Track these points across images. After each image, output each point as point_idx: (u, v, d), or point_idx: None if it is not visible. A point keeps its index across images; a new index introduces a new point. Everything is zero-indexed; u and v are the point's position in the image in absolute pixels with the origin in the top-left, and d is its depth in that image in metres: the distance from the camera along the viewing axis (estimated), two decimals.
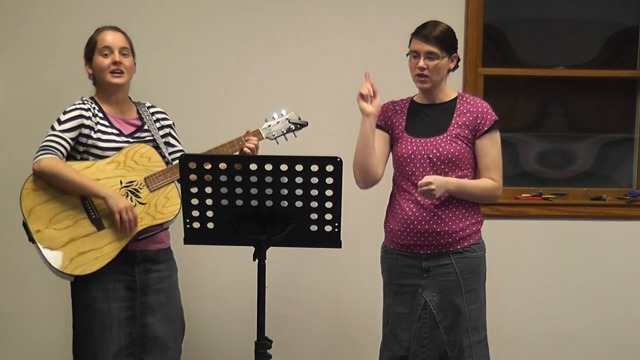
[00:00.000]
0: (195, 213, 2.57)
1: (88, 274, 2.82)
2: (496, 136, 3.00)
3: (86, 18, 3.70)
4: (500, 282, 3.76)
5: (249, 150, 2.96)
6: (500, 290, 3.79)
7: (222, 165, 2.49)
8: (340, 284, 3.93)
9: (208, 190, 2.53)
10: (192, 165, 2.52)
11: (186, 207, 2.56)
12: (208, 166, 2.50)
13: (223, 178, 2.50)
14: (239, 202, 2.52)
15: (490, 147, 2.98)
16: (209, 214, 2.56)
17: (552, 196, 4.03)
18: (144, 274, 2.96)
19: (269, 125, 3.05)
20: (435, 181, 2.80)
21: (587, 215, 3.96)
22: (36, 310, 3.83)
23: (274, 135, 3.05)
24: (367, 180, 3.03)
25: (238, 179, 2.49)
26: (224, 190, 2.52)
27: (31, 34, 3.76)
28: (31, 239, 2.84)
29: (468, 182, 2.96)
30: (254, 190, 2.50)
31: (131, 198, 2.90)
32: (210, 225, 2.59)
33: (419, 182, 2.82)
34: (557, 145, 4.20)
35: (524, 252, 3.97)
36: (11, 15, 3.76)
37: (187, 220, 2.59)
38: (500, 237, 3.81)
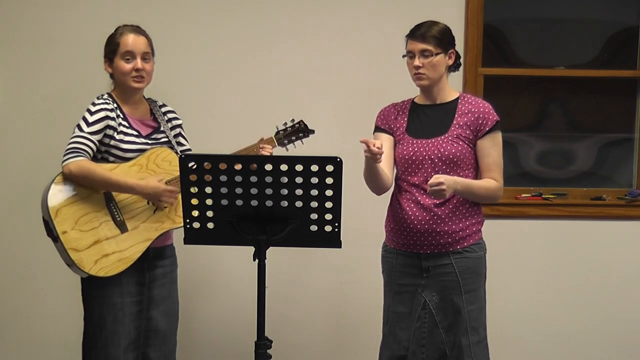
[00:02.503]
0: (195, 213, 2.57)
1: (111, 276, 2.87)
2: (497, 137, 3.00)
3: (92, 17, 3.74)
4: (500, 282, 3.76)
5: None
6: (500, 290, 3.79)
7: (222, 165, 2.49)
8: (340, 284, 3.93)
9: (208, 190, 2.54)
10: (192, 165, 2.52)
11: (186, 207, 2.57)
12: (208, 166, 2.51)
13: (223, 178, 2.50)
14: (239, 202, 2.53)
15: (492, 148, 2.98)
16: (209, 214, 2.57)
17: (552, 196, 4.03)
18: (152, 269, 3.02)
19: (281, 133, 3.12)
20: (446, 181, 2.79)
21: (587, 215, 3.96)
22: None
23: (284, 143, 3.13)
24: (380, 191, 3.06)
25: (238, 179, 2.49)
26: (224, 190, 2.52)
27: (38, 32, 3.77)
28: (53, 237, 2.86)
29: (474, 183, 2.96)
30: (254, 190, 2.50)
31: (153, 202, 2.96)
32: (210, 225, 2.59)
33: (430, 182, 2.80)
34: (557, 145, 4.20)
35: (524, 252, 3.97)
36: (17, 14, 3.76)
37: (187, 220, 2.59)
38: (500, 237, 3.80)
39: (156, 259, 3.03)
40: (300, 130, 3.12)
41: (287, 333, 3.85)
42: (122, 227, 2.91)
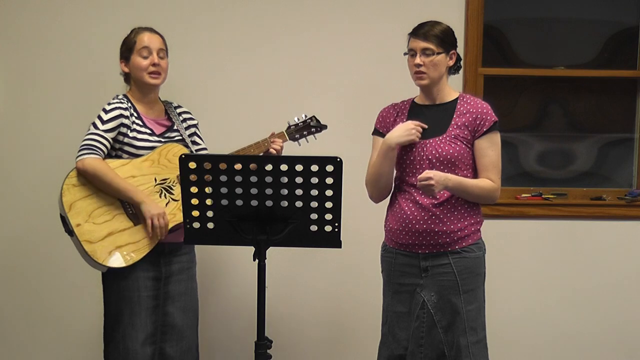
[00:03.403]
0: (195, 213, 2.58)
1: (124, 267, 2.93)
2: (496, 137, 2.99)
3: (92, 18, 3.77)
4: (500, 282, 3.76)
5: (274, 152, 3.10)
6: (500, 291, 3.79)
7: (222, 165, 2.49)
8: (340, 284, 3.93)
9: (208, 190, 2.54)
10: (192, 165, 2.52)
11: (186, 207, 2.57)
12: (208, 166, 2.51)
13: (223, 178, 2.50)
14: (239, 202, 2.53)
15: (489, 149, 2.97)
16: (209, 214, 2.57)
17: (552, 196, 4.03)
18: (168, 265, 3.08)
19: (292, 128, 3.19)
20: (435, 176, 2.80)
21: (587, 215, 3.96)
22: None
23: (296, 138, 3.19)
24: (383, 194, 3.09)
25: (238, 179, 2.50)
26: (224, 190, 2.52)
27: (39, 32, 3.78)
28: (69, 232, 2.95)
29: (467, 180, 2.95)
30: (254, 190, 2.50)
31: (165, 195, 3.02)
32: (210, 225, 2.59)
33: (419, 177, 2.82)
34: (557, 145, 4.20)
35: (524, 252, 3.97)
36: (19, 13, 3.77)
37: (187, 220, 2.59)
38: (500, 237, 3.81)
39: (172, 255, 3.08)
40: (312, 126, 3.20)
41: (287, 333, 3.85)
42: (134, 220, 2.98)
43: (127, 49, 3.07)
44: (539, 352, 4.00)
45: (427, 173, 2.81)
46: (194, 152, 3.15)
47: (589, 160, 4.19)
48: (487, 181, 2.96)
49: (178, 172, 2.96)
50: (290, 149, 3.18)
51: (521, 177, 4.14)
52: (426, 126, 2.94)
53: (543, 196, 4.02)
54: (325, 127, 3.23)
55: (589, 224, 3.97)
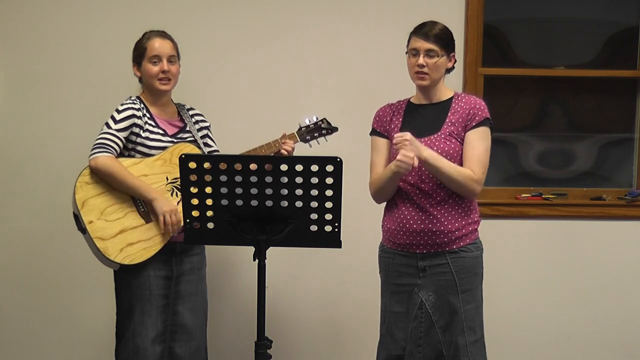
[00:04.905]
0: (195, 213, 2.58)
1: (136, 264, 2.97)
2: (485, 132, 2.96)
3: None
4: (499, 282, 3.77)
5: (286, 152, 3.13)
6: (500, 290, 3.79)
7: (222, 165, 2.50)
8: (340, 284, 3.93)
9: (208, 190, 2.54)
10: (192, 165, 2.52)
11: (186, 207, 2.57)
12: (208, 166, 2.51)
13: (223, 178, 2.51)
14: (239, 202, 2.53)
15: (476, 141, 2.94)
16: (209, 214, 2.57)
17: (552, 196, 4.03)
18: (179, 264, 3.12)
19: (303, 129, 3.22)
20: (413, 140, 2.79)
21: (587, 215, 3.96)
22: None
23: (307, 139, 3.22)
24: (385, 200, 3.09)
25: (238, 179, 2.50)
26: (224, 190, 2.52)
27: (41, 32, 3.79)
28: (82, 229, 2.99)
29: (444, 159, 2.89)
30: (254, 190, 2.51)
31: (176, 194, 3.06)
32: (210, 225, 2.59)
33: (395, 134, 2.80)
34: (557, 145, 4.20)
35: (524, 252, 3.97)
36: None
37: (187, 220, 2.60)
38: (500, 237, 3.81)
39: (184, 255, 3.12)
40: (322, 128, 3.23)
41: (287, 333, 3.86)
42: (146, 218, 3.02)
43: (139, 54, 3.13)
44: (538, 352, 4.00)
45: (404, 135, 2.79)
46: (206, 153, 3.18)
47: (589, 160, 4.19)
48: (467, 170, 2.91)
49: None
50: (300, 150, 3.19)
51: (521, 177, 4.14)
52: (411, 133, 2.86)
53: (543, 196, 4.02)
54: (336, 129, 3.25)
55: (589, 224, 3.97)
